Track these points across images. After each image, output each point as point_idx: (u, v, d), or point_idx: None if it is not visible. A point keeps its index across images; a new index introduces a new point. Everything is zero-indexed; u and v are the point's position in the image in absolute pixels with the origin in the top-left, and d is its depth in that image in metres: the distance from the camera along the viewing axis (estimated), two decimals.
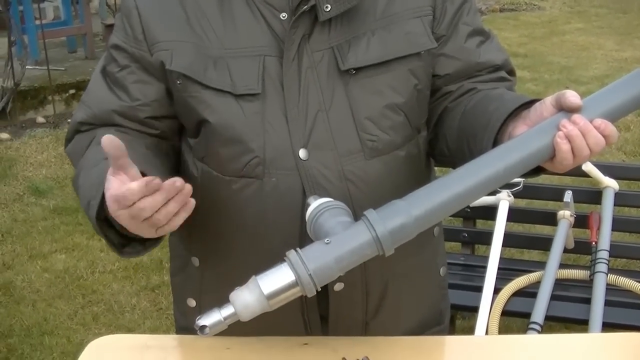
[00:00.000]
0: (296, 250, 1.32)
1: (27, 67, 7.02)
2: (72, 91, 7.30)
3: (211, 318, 1.37)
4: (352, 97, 1.50)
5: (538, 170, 1.42)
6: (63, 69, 7.75)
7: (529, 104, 1.42)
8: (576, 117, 1.33)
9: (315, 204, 1.40)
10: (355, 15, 1.50)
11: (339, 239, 1.32)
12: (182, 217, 1.33)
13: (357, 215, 1.39)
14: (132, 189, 1.26)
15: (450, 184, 1.35)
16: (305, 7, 1.46)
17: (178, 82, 1.51)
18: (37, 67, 7.57)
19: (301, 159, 1.48)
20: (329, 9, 1.47)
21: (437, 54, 1.57)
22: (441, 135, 1.61)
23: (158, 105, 1.57)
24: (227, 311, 1.36)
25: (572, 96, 1.33)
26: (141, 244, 1.45)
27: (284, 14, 1.50)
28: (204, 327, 1.37)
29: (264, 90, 1.48)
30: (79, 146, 1.60)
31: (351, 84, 1.50)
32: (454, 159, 1.56)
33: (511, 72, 1.66)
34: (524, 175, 1.41)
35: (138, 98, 1.56)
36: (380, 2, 1.53)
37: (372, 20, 1.52)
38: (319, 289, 1.33)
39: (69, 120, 6.91)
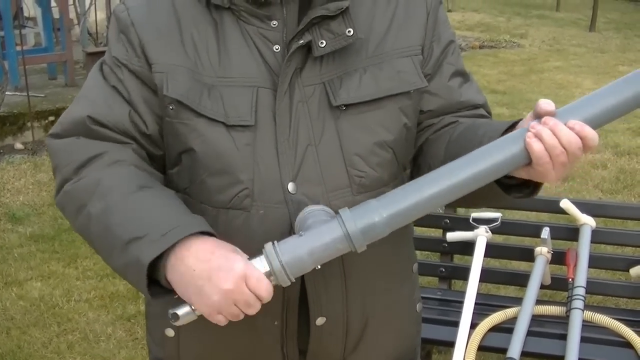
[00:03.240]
0: (273, 243, 1.36)
1: (6, 92, 7.02)
2: (51, 118, 7.28)
3: (183, 308, 1.38)
4: (342, 132, 1.50)
5: (530, 186, 1.43)
6: (43, 95, 7.74)
7: (517, 124, 1.43)
8: (546, 118, 1.33)
9: (303, 210, 1.44)
10: (347, 51, 1.51)
11: (313, 234, 1.37)
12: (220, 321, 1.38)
13: None
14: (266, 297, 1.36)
15: (423, 186, 1.38)
16: (302, 41, 1.47)
17: (171, 107, 1.50)
18: (17, 93, 7.56)
19: (290, 192, 1.48)
20: (324, 45, 1.48)
21: (422, 91, 1.58)
22: (424, 165, 1.61)
23: (162, 121, 1.55)
24: None
25: (544, 103, 1.34)
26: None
27: (277, 47, 1.50)
28: (175, 314, 1.38)
29: (257, 122, 1.48)
30: (83, 153, 1.51)
31: (341, 119, 1.51)
32: None
33: (489, 114, 1.68)
34: (521, 194, 1.43)
35: (144, 112, 1.53)
36: (372, 40, 1.54)
37: (364, 58, 1.53)
38: (293, 280, 1.37)
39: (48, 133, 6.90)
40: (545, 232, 3.30)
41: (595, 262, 3.35)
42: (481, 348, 2.99)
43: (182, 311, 1.38)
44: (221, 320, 1.36)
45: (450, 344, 2.98)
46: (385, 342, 1.69)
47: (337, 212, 1.39)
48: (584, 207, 3.40)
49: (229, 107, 1.48)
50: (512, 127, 1.43)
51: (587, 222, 3.33)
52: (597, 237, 3.38)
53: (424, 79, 1.57)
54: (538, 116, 1.35)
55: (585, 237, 3.30)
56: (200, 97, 1.49)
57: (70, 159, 1.52)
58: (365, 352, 1.65)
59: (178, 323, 1.39)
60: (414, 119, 1.59)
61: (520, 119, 1.43)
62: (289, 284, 1.37)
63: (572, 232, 3.38)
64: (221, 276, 1.33)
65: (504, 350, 2.87)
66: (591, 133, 1.33)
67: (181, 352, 1.68)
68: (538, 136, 1.32)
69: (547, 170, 1.34)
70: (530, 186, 1.44)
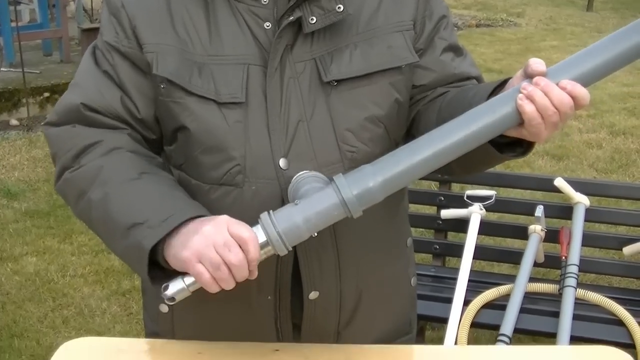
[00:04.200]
0: (268, 213, 1.37)
1: (1, 69, 7.00)
2: (46, 94, 7.26)
3: (175, 286, 1.39)
4: (333, 108, 1.51)
5: (522, 146, 1.43)
6: (38, 72, 7.71)
7: (506, 82, 1.43)
8: (537, 78, 1.32)
9: (294, 178, 1.44)
10: (338, 27, 1.51)
11: (308, 202, 1.38)
12: (212, 287, 1.36)
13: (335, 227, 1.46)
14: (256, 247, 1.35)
15: (416, 150, 1.38)
16: (292, 18, 1.47)
17: (162, 86, 1.51)
18: (11, 69, 7.52)
19: (281, 169, 1.49)
20: (314, 21, 1.48)
21: (414, 66, 1.59)
22: (418, 135, 1.61)
23: (155, 104, 1.55)
24: (190, 279, 1.38)
25: (535, 63, 1.34)
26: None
27: (267, 24, 1.50)
28: (171, 298, 1.40)
29: (247, 99, 1.49)
30: (80, 140, 1.53)
31: (332, 95, 1.51)
32: None
33: None
34: (515, 154, 1.43)
35: (137, 97, 1.54)
36: (363, 15, 1.54)
37: (355, 33, 1.53)
38: (290, 249, 1.37)
39: (43, 123, 6.90)
40: (539, 210, 3.31)
41: (588, 240, 3.37)
42: (474, 325, 3.02)
43: (174, 287, 1.39)
44: (202, 273, 1.34)
45: (444, 321, 3.00)
46: (380, 316, 1.70)
47: (331, 179, 1.40)
48: (579, 185, 3.41)
49: (220, 84, 1.49)
50: (501, 85, 1.43)
51: (581, 200, 3.35)
52: (591, 215, 3.40)
53: (415, 54, 1.57)
54: (529, 76, 1.34)
55: (579, 216, 3.31)
56: (191, 76, 1.49)
57: (67, 146, 1.54)
58: (360, 326, 1.66)
59: (171, 294, 1.39)
60: (405, 94, 1.59)
61: (510, 78, 1.42)
62: (286, 252, 1.38)
63: (566, 211, 3.40)
64: (205, 223, 1.37)
65: (496, 327, 2.89)
66: (582, 92, 1.32)
67: (175, 327, 1.69)
68: (530, 97, 1.31)
69: (539, 131, 1.33)
70: (523, 145, 1.44)
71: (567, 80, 1.32)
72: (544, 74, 1.33)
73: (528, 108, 1.31)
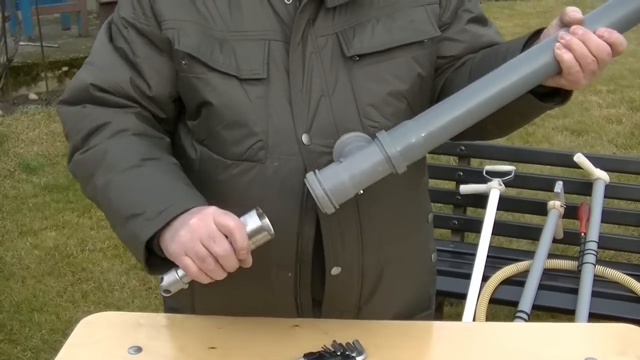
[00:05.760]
0: (314, 172, 1.37)
1: (20, 43, 6.99)
2: (65, 68, 7.27)
3: (169, 278, 1.43)
4: (355, 83, 1.50)
5: (560, 94, 1.44)
6: (56, 45, 7.71)
7: (538, 33, 1.44)
8: (574, 27, 1.33)
9: (339, 139, 1.45)
10: (360, 2, 1.51)
11: (352, 159, 1.38)
12: (201, 278, 1.37)
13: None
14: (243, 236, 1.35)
15: (457, 103, 1.39)
16: None
17: (184, 62, 1.51)
18: (30, 43, 7.53)
19: (304, 144, 1.48)
20: None
21: (441, 38, 1.58)
22: None
23: (170, 83, 1.56)
24: (182, 271, 1.41)
25: (572, 11, 1.35)
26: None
27: None
28: (166, 290, 1.44)
29: (269, 75, 1.48)
30: (89, 121, 1.55)
31: (355, 70, 1.50)
32: None
33: None
34: (553, 102, 1.43)
35: (150, 75, 1.55)
36: None
37: (377, 8, 1.52)
38: (337, 207, 1.37)
39: (58, 100, 6.89)
40: (559, 186, 3.30)
41: (608, 217, 3.35)
42: (492, 301, 3.01)
43: (167, 279, 1.42)
44: (189, 265, 1.36)
45: (462, 296, 3.00)
46: (401, 291, 1.71)
47: (374, 136, 1.40)
48: (598, 161, 3.39)
49: (241, 61, 1.48)
50: (534, 36, 1.44)
51: (601, 176, 3.33)
52: (611, 192, 3.38)
53: (437, 28, 1.56)
54: (566, 24, 1.35)
55: (598, 192, 3.29)
56: (212, 51, 1.49)
57: (78, 127, 1.56)
58: (381, 301, 1.67)
59: (165, 286, 1.43)
60: (428, 69, 1.58)
61: (543, 28, 1.42)
62: (333, 210, 1.38)
63: (585, 187, 3.38)
64: (192, 216, 1.38)
65: (515, 304, 2.89)
66: (619, 39, 1.33)
67: (196, 303, 1.70)
68: (568, 46, 1.32)
69: (578, 79, 1.34)
70: (561, 94, 1.44)
71: (604, 28, 1.33)
72: (581, 22, 1.34)
73: (566, 57, 1.32)
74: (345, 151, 1.41)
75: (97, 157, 1.51)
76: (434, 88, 1.64)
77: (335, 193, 1.36)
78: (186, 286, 1.43)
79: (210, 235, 1.34)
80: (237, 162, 1.52)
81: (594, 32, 1.32)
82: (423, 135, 1.38)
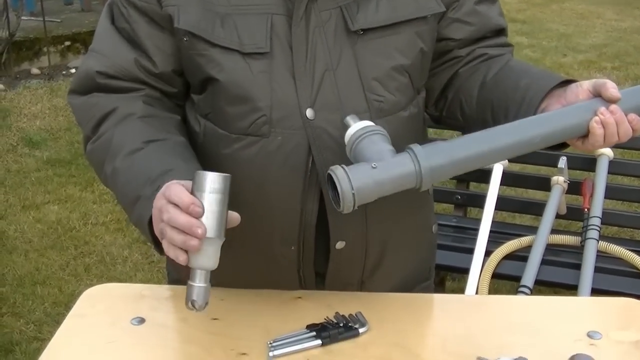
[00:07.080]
0: (342, 167, 1.33)
1: (22, 18, 6.98)
2: (67, 43, 7.26)
3: (191, 293, 1.31)
4: (360, 57, 1.49)
5: (563, 145, 1.49)
6: (59, 20, 7.69)
7: (563, 83, 1.48)
8: (614, 107, 1.41)
9: (356, 126, 1.41)
10: None
11: (385, 166, 1.35)
12: (178, 256, 1.28)
13: None
14: (185, 199, 1.26)
15: (491, 138, 1.41)
16: None
17: (185, 39, 1.50)
18: (32, 18, 7.51)
19: (308, 119, 1.47)
20: None
21: (452, 19, 1.59)
22: (456, 100, 1.63)
23: (174, 59, 1.55)
24: (192, 277, 1.32)
25: (612, 88, 1.42)
26: None
27: None
28: (201, 305, 1.32)
29: (272, 49, 1.47)
30: (97, 110, 1.54)
31: (359, 44, 1.50)
32: (469, 125, 1.60)
33: (508, 42, 1.70)
34: (550, 147, 1.48)
35: (154, 52, 1.54)
36: None
37: None
38: (356, 208, 1.34)
39: (64, 72, 7.00)
40: (562, 162, 3.29)
41: (611, 193, 3.34)
42: (495, 275, 3.02)
43: (189, 292, 1.31)
44: (165, 248, 1.30)
45: (465, 271, 3.00)
46: (403, 264, 1.71)
47: (408, 148, 1.36)
48: None
49: (244, 35, 1.47)
50: (559, 85, 1.49)
51: (605, 152, 3.32)
52: (615, 168, 3.37)
53: (441, 4, 1.56)
54: (603, 97, 1.43)
55: (602, 168, 3.29)
56: (214, 27, 1.48)
57: (87, 117, 1.56)
58: (383, 275, 1.67)
59: (195, 298, 1.31)
60: (430, 44, 1.58)
61: (569, 80, 1.49)
62: (349, 211, 1.34)
63: (589, 162, 3.37)
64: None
65: (517, 278, 2.89)
66: None
67: None
68: (604, 124, 1.41)
69: (594, 147, 1.45)
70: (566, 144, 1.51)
71: (635, 115, 1.44)
72: (618, 100, 1.43)
73: (599, 132, 1.42)
74: (370, 153, 1.36)
75: (104, 145, 1.51)
76: (441, 76, 1.65)
77: (360, 194, 1.33)
78: (209, 286, 1.32)
79: (161, 209, 1.30)
80: (240, 137, 1.51)
81: (627, 116, 1.42)
82: (455, 158, 1.37)
